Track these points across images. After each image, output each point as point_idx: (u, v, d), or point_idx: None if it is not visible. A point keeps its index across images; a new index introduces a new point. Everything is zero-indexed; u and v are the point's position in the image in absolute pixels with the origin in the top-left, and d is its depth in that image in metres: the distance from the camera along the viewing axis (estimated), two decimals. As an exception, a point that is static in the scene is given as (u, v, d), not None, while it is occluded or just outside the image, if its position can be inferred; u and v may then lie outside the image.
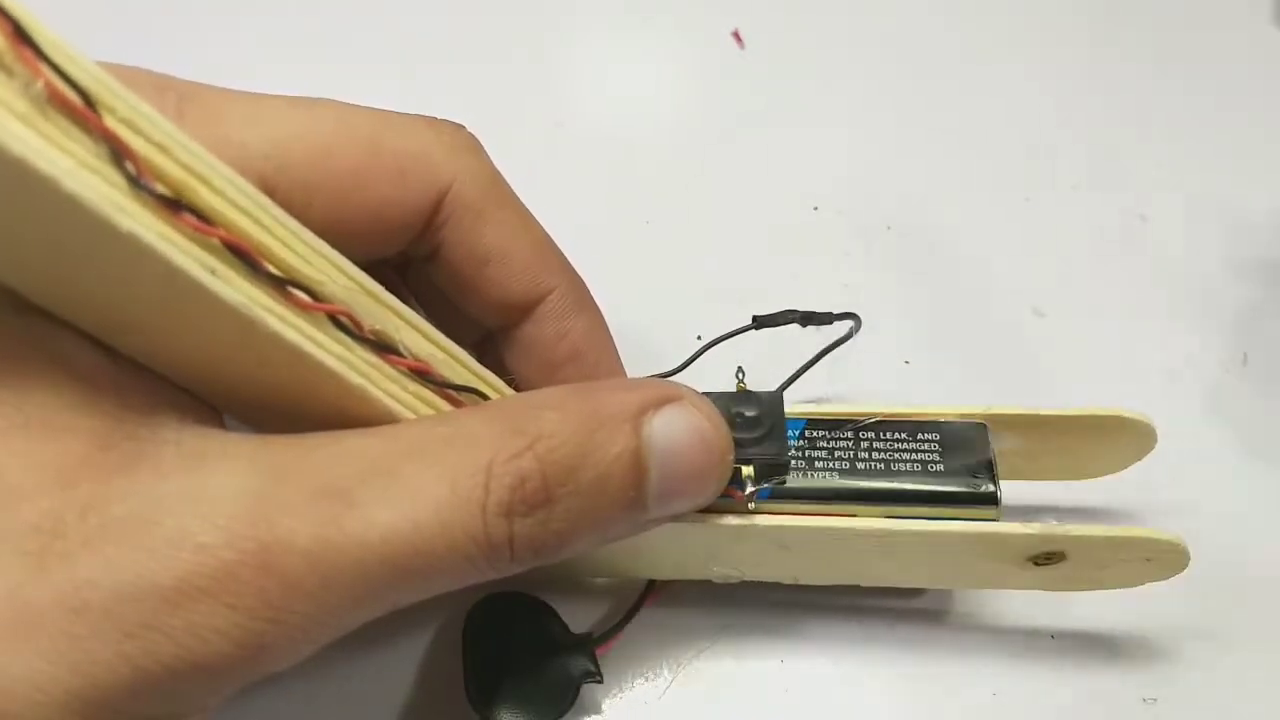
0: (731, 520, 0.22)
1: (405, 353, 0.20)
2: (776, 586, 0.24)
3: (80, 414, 0.17)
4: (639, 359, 0.25)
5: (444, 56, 0.36)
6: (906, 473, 0.22)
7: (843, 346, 0.24)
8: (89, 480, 0.16)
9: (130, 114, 0.15)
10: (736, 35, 0.36)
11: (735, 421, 0.22)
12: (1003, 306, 0.31)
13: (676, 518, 0.20)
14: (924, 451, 0.22)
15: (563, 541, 0.18)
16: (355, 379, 0.18)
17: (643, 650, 0.25)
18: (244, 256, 0.17)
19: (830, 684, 0.24)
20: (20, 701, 0.15)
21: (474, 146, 0.22)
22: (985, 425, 0.23)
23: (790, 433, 0.23)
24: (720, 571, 0.24)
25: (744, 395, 0.22)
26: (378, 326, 0.19)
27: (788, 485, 0.22)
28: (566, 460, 0.18)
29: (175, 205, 0.16)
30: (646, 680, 0.25)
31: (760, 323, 0.26)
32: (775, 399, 0.22)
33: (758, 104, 0.35)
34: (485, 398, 0.21)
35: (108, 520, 0.16)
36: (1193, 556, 0.21)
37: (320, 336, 0.18)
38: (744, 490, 0.21)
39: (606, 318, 0.24)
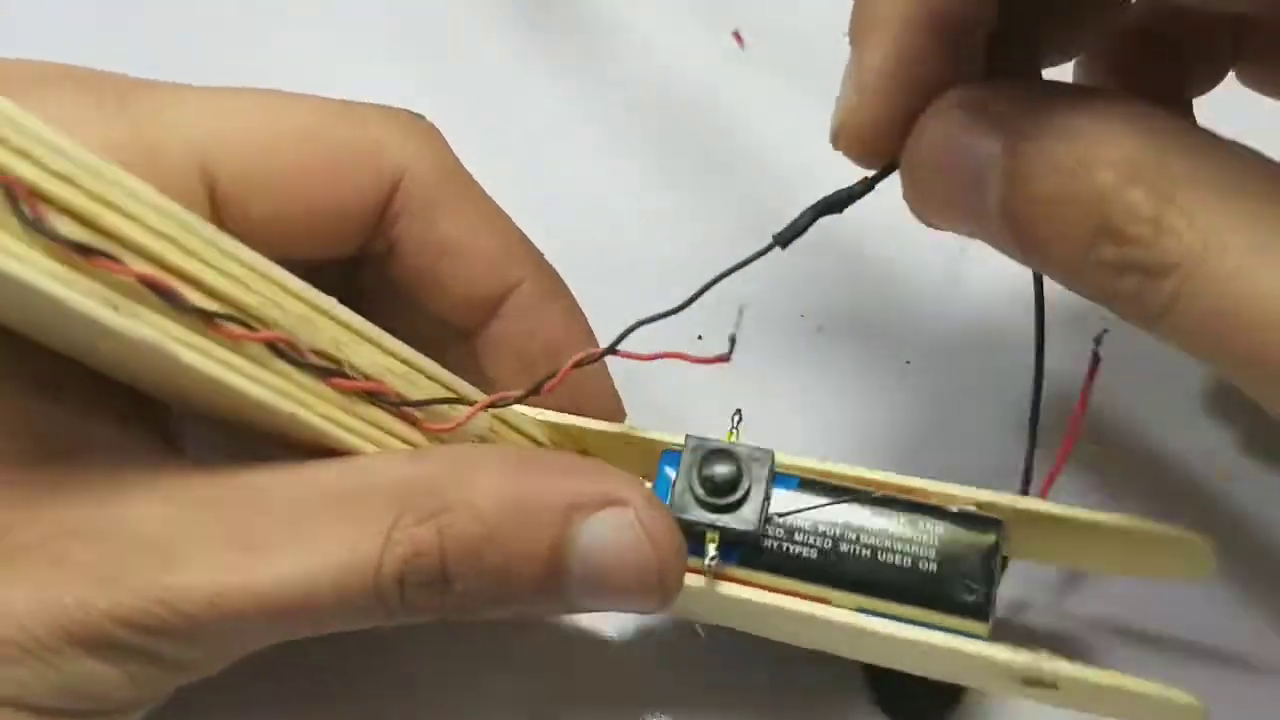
0: (690, 582, 0.20)
1: (353, 374, 0.19)
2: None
3: (11, 431, 0.17)
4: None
5: (440, 55, 0.34)
6: (894, 565, 0.20)
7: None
8: (12, 503, 0.17)
9: (26, 145, 0.15)
10: (737, 35, 0.35)
11: (707, 484, 0.20)
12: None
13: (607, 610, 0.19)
14: (920, 544, 0.20)
15: (464, 608, 0.18)
16: (286, 407, 0.18)
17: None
18: (161, 291, 0.16)
19: None
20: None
21: (429, 134, 0.21)
22: (1001, 524, 0.20)
23: (782, 487, 0.21)
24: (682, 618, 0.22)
25: (724, 453, 0.20)
26: (322, 348, 0.18)
27: (759, 555, 0.20)
28: (472, 542, 0.17)
29: (79, 247, 0.15)
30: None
31: (782, 238, 0.22)
32: (763, 459, 0.20)
33: (758, 104, 0.33)
34: (451, 415, 0.20)
35: (26, 541, 0.17)
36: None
37: (249, 367, 0.17)
38: (704, 558, 0.20)
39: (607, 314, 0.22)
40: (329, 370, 0.18)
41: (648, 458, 0.22)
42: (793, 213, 0.30)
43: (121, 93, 0.18)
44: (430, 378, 0.20)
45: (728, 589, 0.20)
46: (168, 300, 0.16)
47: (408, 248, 0.21)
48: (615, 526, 0.18)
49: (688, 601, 0.21)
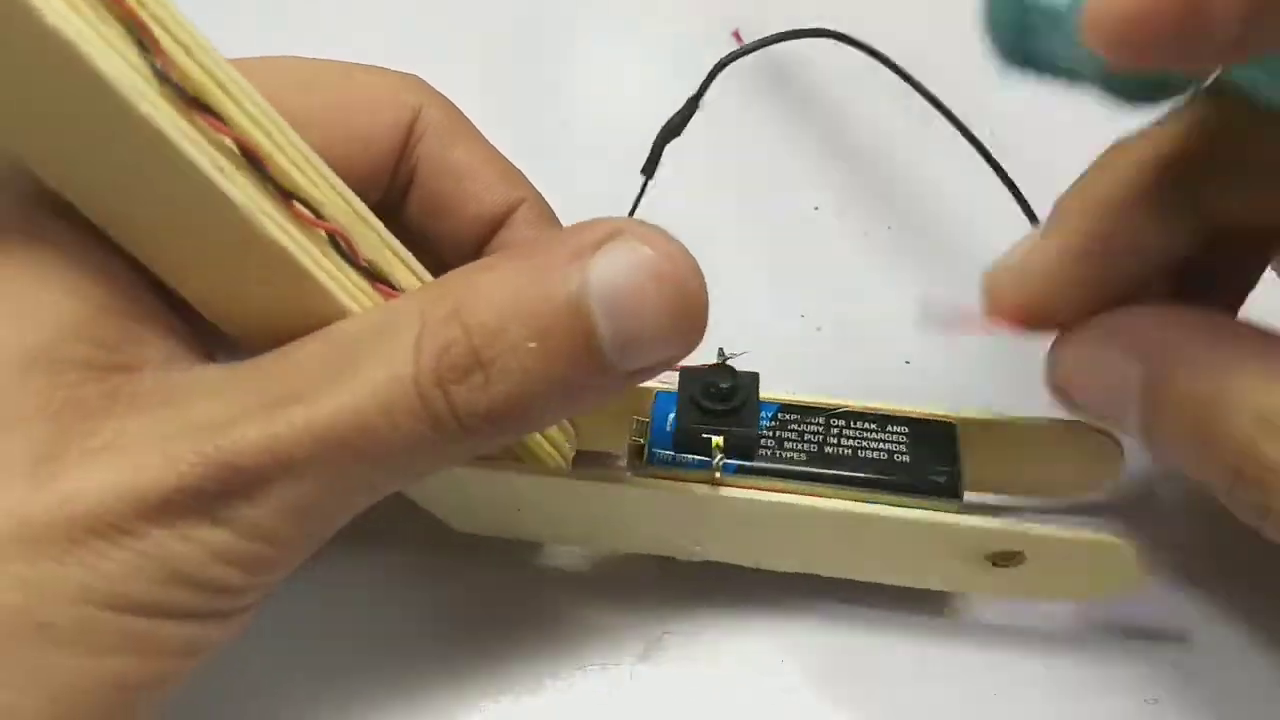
0: (698, 490, 0.22)
1: (397, 285, 0.20)
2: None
3: (78, 344, 0.18)
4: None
5: (440, 55, 0.35)
6: (872, 460, 0.22)
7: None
8: (76, 414, 0.17)
9: (159, 10, 0.16)
10: (737, 35, 0.36)
11: (710, 391, 0.22)
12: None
13: (658, 370, 0.18)
14: (891, 443, 0.23)
15: (515, 404, 0.17)
16: (345, 300, 0.19)
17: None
18: (254, 161, 0.17)
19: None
20: (52, 606, 0.17)
21: (432, 86, 0.24)
22: (955, 425, 0.23)
23: (764, 414, 0.23)
24: (690, 548, 0.24)
25: (722, 368, 0.23)
26: (372, 257, 0.20)
27: (755, 463, 0.22)
28: (493, 319, 0.17)
29: (194, 102, 0.17)
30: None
31: (646, 170, 0.24)
32: (751, 378, 0.23)
33: (759, 104, 0.35)
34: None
35: (89, 449, 0.17)
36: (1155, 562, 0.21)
37: (317, 253, 0.19)
38: (713, 460, 0.22)
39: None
40: (376, 276, 0.20)
41: (636, 408, 0.24)
42: (788, 207, 0.33)
43: None
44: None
45: (732, 492, 0.22)
46: (258, 170, 0.18)
47: (427, 172, 0.23)
48: (620, 250, 0.17)
49: (694, 511, 0.22)
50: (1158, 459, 0.19)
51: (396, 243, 0.21)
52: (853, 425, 0.23)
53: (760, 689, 0.24)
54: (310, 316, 0.19)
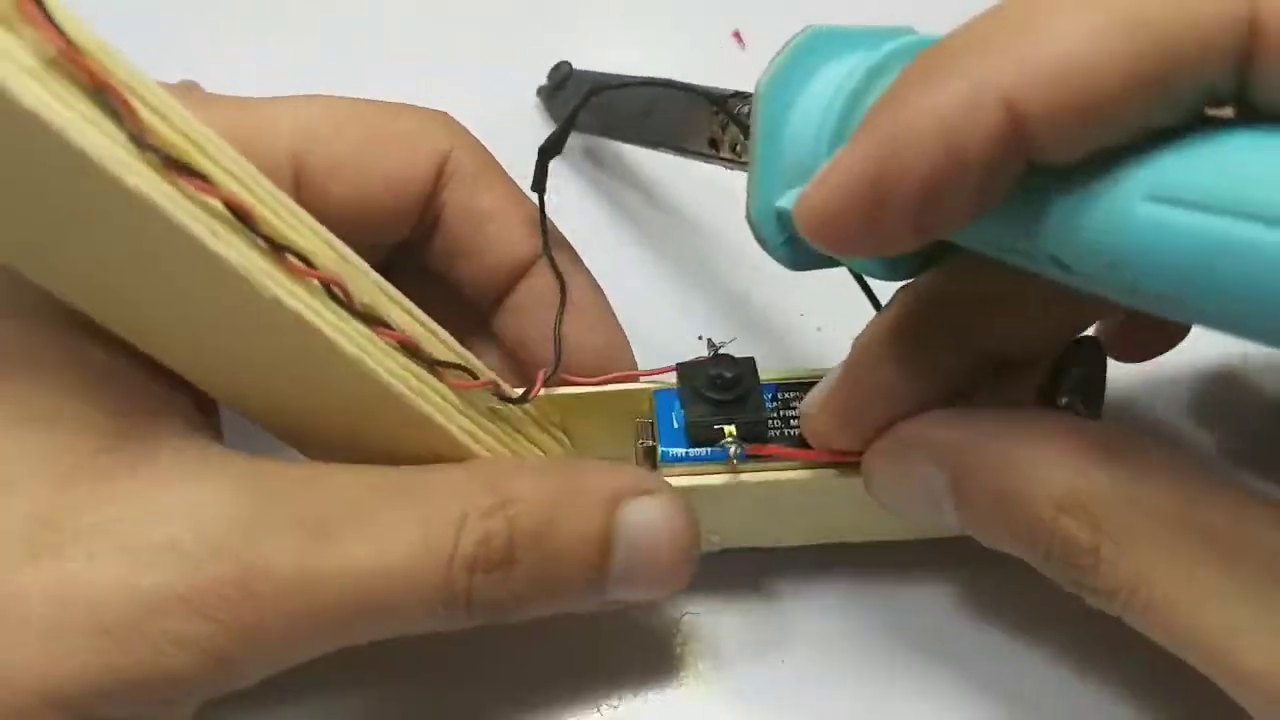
0: (718, 479, 0.22)
1: (395, 326, 0.20)
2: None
3: (87, 410, 0.18)
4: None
5: (440, 56, 0.36)
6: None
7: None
8: (87, 480, 0.17)
9: (130, 80, 0.16)
10: (737, 35, 0.36)
11: (715, 382, 0.22)
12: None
13: (630, 603, 0.21)
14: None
15: (517, 604, 0.19)
16: (348, 347, 0.19)
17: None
18: (242, 218, 0.17)
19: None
20: (9, 695, 0.16)
21: (462, 126, 0.24)
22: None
23: (764, 396, 0.24)
24: (708, 537, 0.24)
25: (721, 358, 0.23)
26: (367, 300, 0.20)
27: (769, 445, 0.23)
28: (534, 527, 0.19)
29: (176, 165, 0.16)
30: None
31: (546, 149, 0.24)
32: (748, 362, 0.23)
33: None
34: (473, 376, 0.21)
35: (100, 521, 0.17)
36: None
37: (315, 304, 0.18)
38: (729, 451, 0.22)
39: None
40: (373, 319, 0.19)
41: (633, 412, 0.24)
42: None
43: (213, 99, 0.21)
44: (447, 346, 0.22)
45: (752, 477, 0.22)
46: (247, 227, 0.17)
47: (453, 216, 0.23)
48: (654, 507, 0.20)
49: (714, 505, 0.23)
50: (988, 546, 0.20)
51: (389, 286, 0.21)
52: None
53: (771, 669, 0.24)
54: (313, 367, 0.19)
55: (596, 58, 0.35)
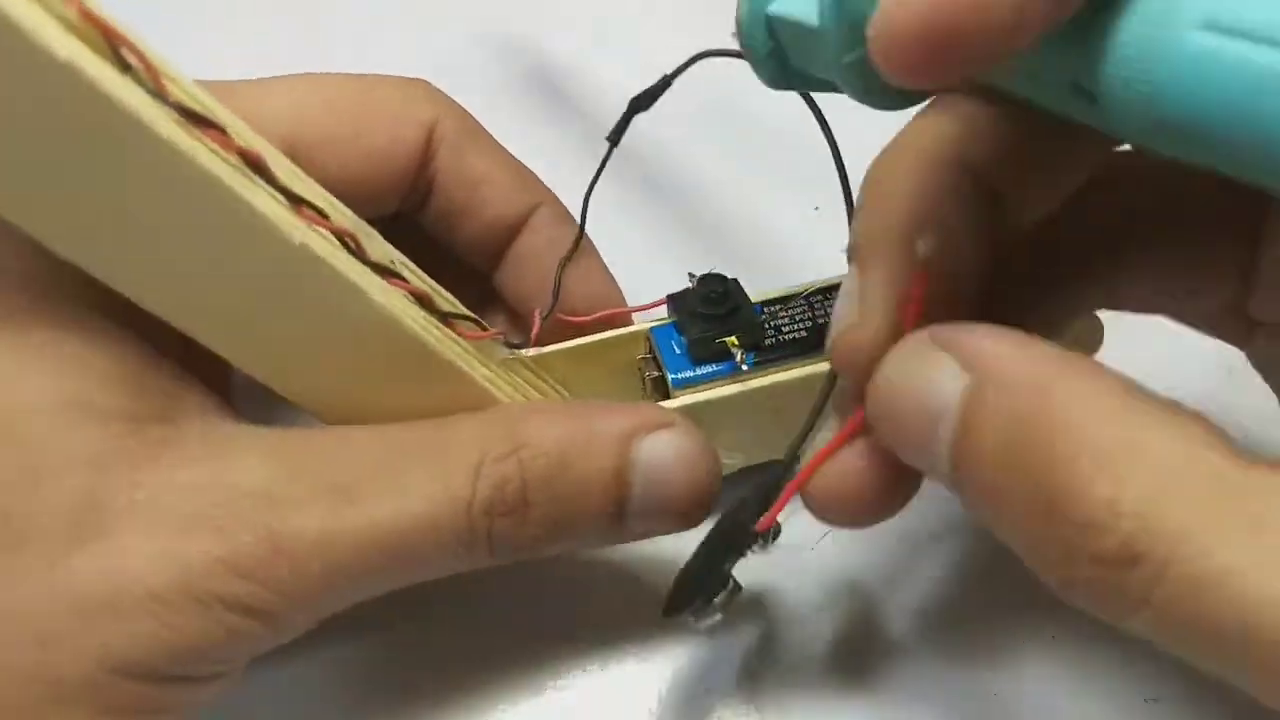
0: (731, 389, 0.23)
1: (409, 277, 0.21)
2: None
3: (115, 395, 0.18)
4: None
5: (444, 57, 0.36)
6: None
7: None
8: (121, 464, 0.18)
9: (138, 44, 0.17)
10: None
11: (709, 298, 0.24)
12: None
13: (645, 536, 0.21)
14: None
15: (537, 543, 0.20)
16: (379, 297, 0.19)
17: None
18: (259, 170, 0.18)
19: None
20: (67, 665, 0.17)
21: (443, 93, 0.25)
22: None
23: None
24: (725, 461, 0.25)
25: (709, 277, 0.24)
26: (378, 259, 0.20)
27: (766, 351, 0.24)
28: (547, 469, 0.19)
29: (196, 118, 0.17)
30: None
31: (613, 136, 0.24)
32: (734, 280, 0.25)
33: (761, 101, 0.33)
34: (482, 327, 0.22)
35: (136, 500, 0.17)
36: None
37: (331, 249, 0.19)
38: (735, 358, 0.23)
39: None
40: (389, 271, 0.20)
41: (628, 357, 0.25)
42: (788, 206, 0.33)
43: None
44: (451, 303, 0.22)
45: (760, 381, 0.23)
46: (262, 175, 0.18)
47: (445, 182, 0.24)
48: (669, 443, 0.20)
49: (729, 418, 0.24)
50: (966, 499, 0.15)
51: (394, 250, 0.21)
52: (830, 297, 0.25)
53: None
54: (339, 320, 0.19)
55: (600, 56, 0.37)
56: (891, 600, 0.25)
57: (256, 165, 0.18)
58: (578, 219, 0.25)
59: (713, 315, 0.24)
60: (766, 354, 0.24)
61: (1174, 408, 0.14)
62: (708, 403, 0.23)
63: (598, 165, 0.24)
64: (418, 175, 0.24)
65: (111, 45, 0.16)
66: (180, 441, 0.18)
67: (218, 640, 0.17)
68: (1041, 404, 0.14)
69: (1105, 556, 0.13)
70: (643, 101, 0.23)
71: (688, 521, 0.21)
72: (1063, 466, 0.13)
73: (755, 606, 0.25)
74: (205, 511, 0.17)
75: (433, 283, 0.22)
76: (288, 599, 0.18)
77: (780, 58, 0.19)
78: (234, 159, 0.17)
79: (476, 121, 0.25)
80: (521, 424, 0.20)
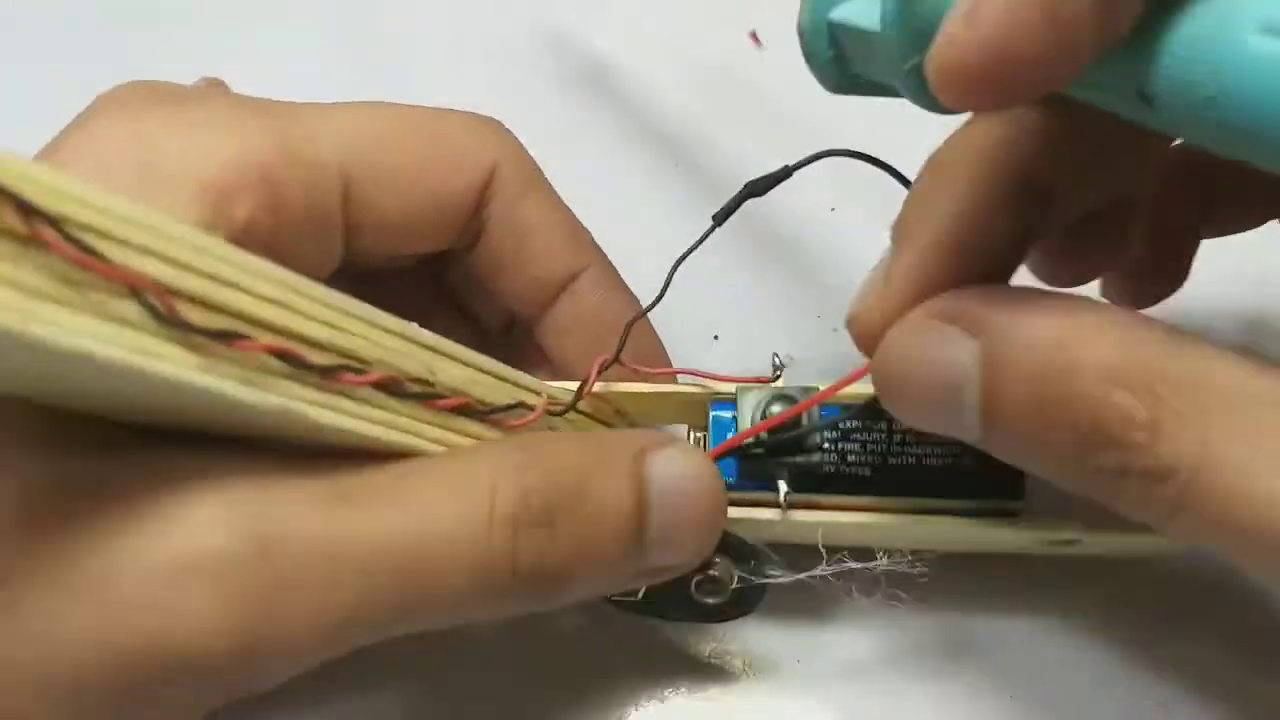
0: (766, 514, 0.22)
1: (446, 393, 0.19)
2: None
3: (33, 455, 0.16)
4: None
5: (454, 57, 0.34)
6: (938, 469, 0.22)
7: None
8: (102, 448, 0.16)
9: (148, 240, 0.14)
10: (754, 36, 0.36)
11: (776, 431, 0.22)
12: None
13: (666, 574, 0.20)
14: (956, 444, 0.23)
15: (563, 568, 0.18)
16: (407, 440, 0.18)
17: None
18: (288, 358, 0.16)
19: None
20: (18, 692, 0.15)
21: (511, 135, 0.24)
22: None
23: (824, 416, 0.23)
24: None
25: (780, 398, 0.22)
26: (417, 374, 0.19)
27: (821, 487, 0.23)
28: (569, 483, 0.18)
29: (210, 334, 0.15)
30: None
31: (719, 216, 0.23)
32: (808, 396, 0.22)
33: (773, 102, 0.34)
34: (529, 407, 0.21)
35: (111, 504, 0.15)
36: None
37: (366, 410, 0.18)
38: (779, 494, 0.22)
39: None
40: (426, 395, 0.19)
41: (692, 413, 0.24)
42: (804, 206, 0.32)
43: (264, 106, 0.20)
44: (500, 379, 0.21)
45: (800, 516, 0.22)
46: (292, 364, 0.16)
47: (496, 229, 0.23)
48: (678, 455, 0.19)
49: (761, 533, 0.23)
50: (999, 452, 0.17)
51: (438, 340, 0.20)
52: (914, 430, 0.23)
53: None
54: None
55: (612, 58, 0.35)
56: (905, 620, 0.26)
57: (286, 356, 0.16)
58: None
59: (772, 445, 0.22)
60: (820, 482, 0.23)
61: (1172, 328, 0.16)
62: (740, 520, 0.22)
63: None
64: (471, 217, 0.23)
65: (115, 278, 0.14)
66: (120, 486, 0.16)
67: (176, 658, 0.15)
68: (1061, 356, 0.16)
69: (1147, 473, 0.15)
70: (758, 187, 0.22)
71: (701, 545, 0.20)
72: (1096, 404, 0.15)
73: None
74: (173, 515, 0.15)
75: (481, 361, 0.20)
76: (270, 619, 0.15)
77: (841, 63, 0.20)
78: (262, 356, 0.16)
79: (538, 169, 0.24)
80: (536, 446, 0.19)
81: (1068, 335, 0.16)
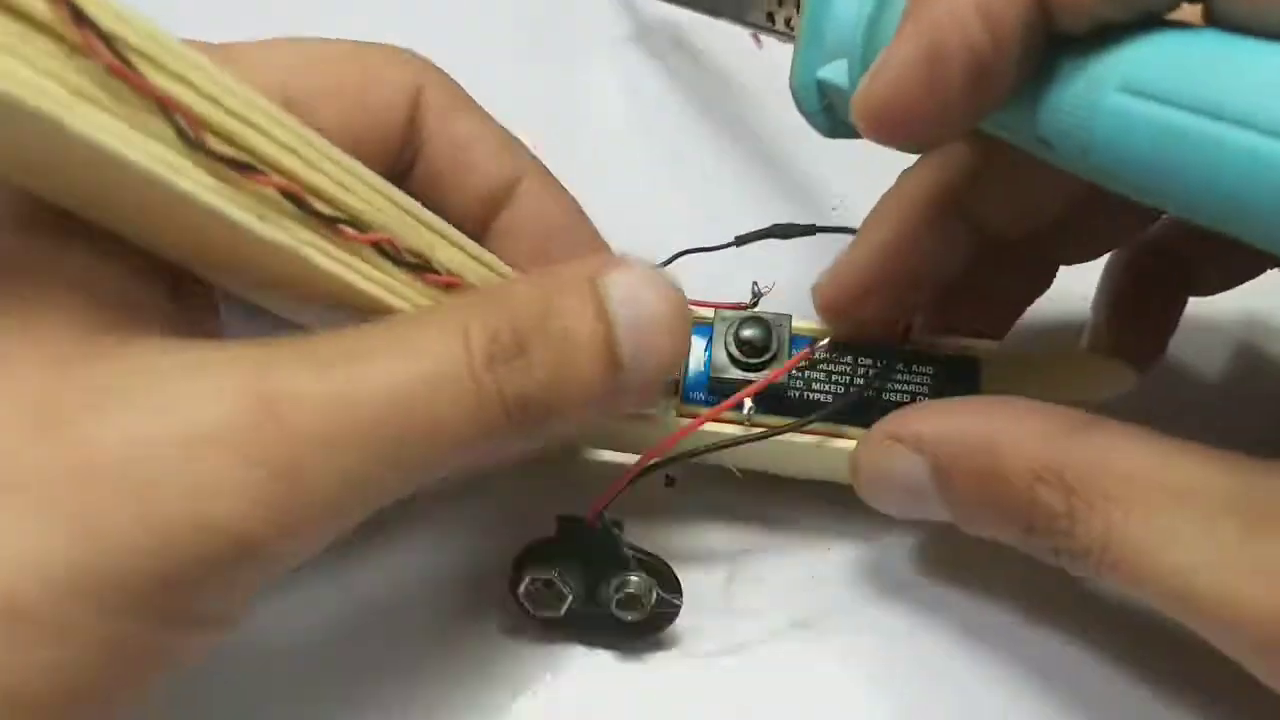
0: (732, 430, 0.24)
1: (440, 269, 0.21)
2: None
3: (67, 305, 0.17)
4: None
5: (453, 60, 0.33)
6: (895, 403, 0.24)
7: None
8: (80, 361, 0.16)
9: (182, 69, 0.16)
10: (755, 36, 0.36)
11: (743, 347, 0.23)
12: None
13: (652, 388, 0.22)
14: (916, 383, 0.24)
15: (548, 393, 0.19)
16: (396, 302, 0.20)
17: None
18: (296, 200, 0.18)
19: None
20: (20, 575, 0.14)
21: (428, 60, 0.25)
22: (979, 360, 0.24)
23: (795, 347, 0.24)
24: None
25: (755, 320, 0.24)
26: (415, 247, 0.20)
27: (785, 401, 0.24)
28: (532, 313, 0.19)
29: (229, 162, 0.17)
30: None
31: (741, 239, 0.26)
32: (784, 322, 0.24)
33: (773, 102, 0.35)
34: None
35: (108, 388, 0.16)
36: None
37: (363, 266, 0.19)
38: (743, 410, 0.23)
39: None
40: (421, 267, 0.20)
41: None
42: (807, 203, 0.35)
43: (202, 46, 0.19)
44: (492, 269, 0.23)
45: (760, 433, 0.24)
46: (299, 207, 0.18)
47: (435, 144, 0.24)
48: (631, 272, 0.20)
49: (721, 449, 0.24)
50: (970, 532, 0.22)
51: (436, 220, 0.21)
52: (878, 364, 0.24)
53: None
54: (363, 313, 0.20)
55: (611, 57, 0.36)
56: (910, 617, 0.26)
57: (292, 197, 0.18)
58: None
59: (742, 362, 0.23)
60: (783, 404, 0.24)
61: (1081, 416, 0.20)
62: (705, 434, 0.24)
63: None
64: (405, 136, 0.24)
65: (146, 92, 0.15)
66: (144, 341, 0.17)
67: (214, 540, 0.15)
68: (992, 461, 0.20)
69: (1072, 552, 0.19)
70: (786, 231, 0.26)
71: (675, 352, 0.20)
72: (1025, 504, 0.20)
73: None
74: (182, 390, 0.16)
75: (475, 250, 0.22)
76: (295, 484, 0.16)
77: (831, 113, 0.23)
78: (269, 192, 0.17)
79: (462, 89, 0.25)
80: (494, 289, 0.21)
81: (993, 441, 0.20)
